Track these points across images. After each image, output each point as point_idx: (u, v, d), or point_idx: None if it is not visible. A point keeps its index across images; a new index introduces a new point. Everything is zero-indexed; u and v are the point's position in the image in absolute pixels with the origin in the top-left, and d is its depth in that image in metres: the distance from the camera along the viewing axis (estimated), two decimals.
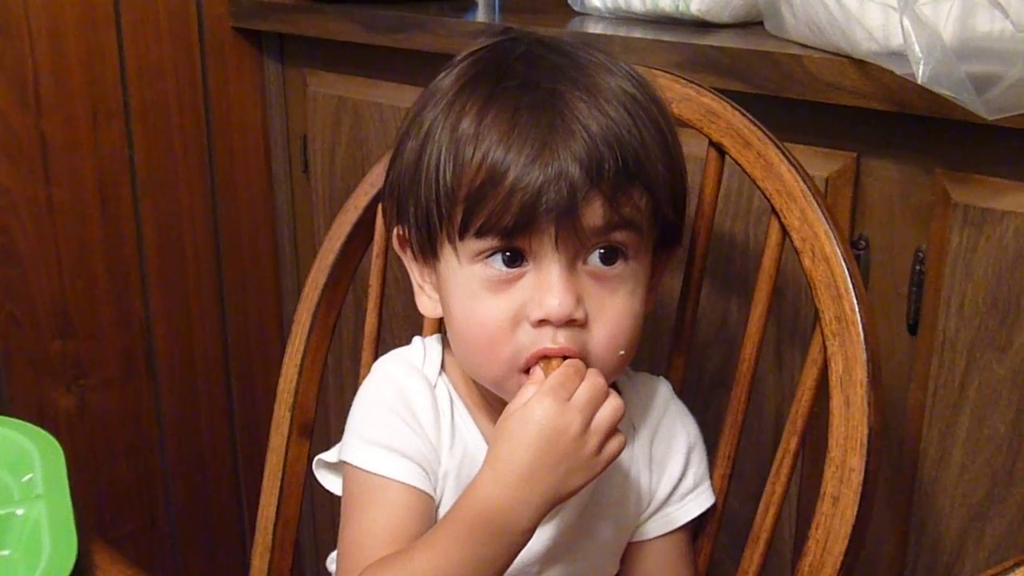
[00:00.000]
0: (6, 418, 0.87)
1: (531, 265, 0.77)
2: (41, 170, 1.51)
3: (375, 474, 0.83)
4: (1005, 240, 0.97)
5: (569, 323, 0.76)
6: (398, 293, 1.51)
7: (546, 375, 0.75)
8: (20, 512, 0.76)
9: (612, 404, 0.75)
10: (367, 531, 0.82)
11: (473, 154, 0.76)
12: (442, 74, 0.83)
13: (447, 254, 0.80)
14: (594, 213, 0.76)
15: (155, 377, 1.68)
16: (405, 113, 0.86)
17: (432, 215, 0.79)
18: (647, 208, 0.79)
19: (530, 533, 0.74)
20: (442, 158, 0.78)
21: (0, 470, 0.82)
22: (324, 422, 1.47)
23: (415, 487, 0.83)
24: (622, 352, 0.80)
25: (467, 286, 0.79)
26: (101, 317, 1.61)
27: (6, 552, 0.75)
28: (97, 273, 1.59)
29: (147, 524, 1.72)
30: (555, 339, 0.76)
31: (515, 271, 0.77)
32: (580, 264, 0.78)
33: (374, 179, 1.11)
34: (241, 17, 1.64)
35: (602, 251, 0.78)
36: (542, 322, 0.76)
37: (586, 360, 0.78)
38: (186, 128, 1.63)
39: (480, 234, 0.76)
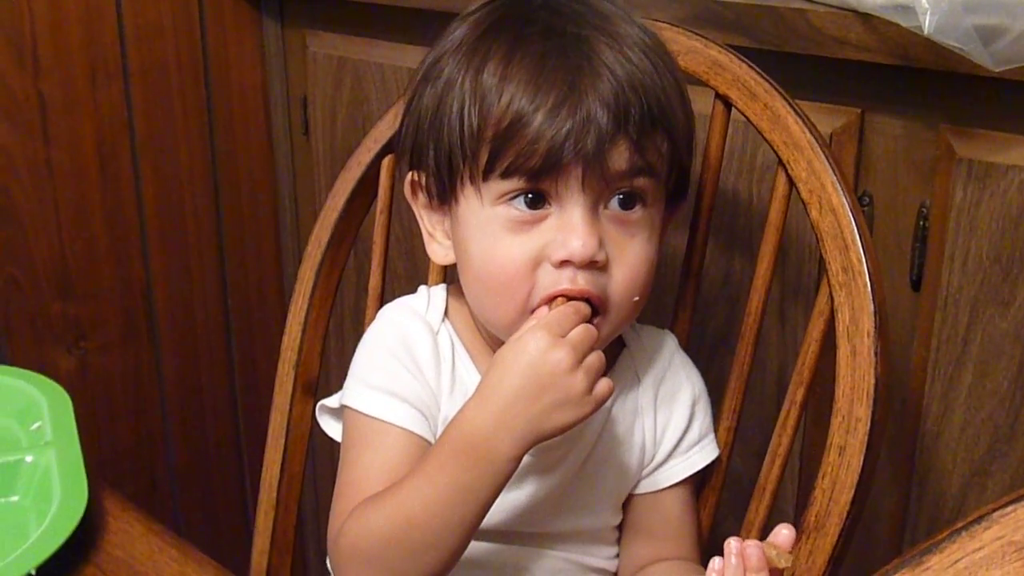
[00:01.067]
0: (14, 368, 0.87)
1: (554, 207, 0.78)
2: (40, 131, 1.50)
3: (374, 418, 0.84)
4: (1009, 195, 0.97)
5: (590, 265, 0.77)
6: (400, 254, 1.51)
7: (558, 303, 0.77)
8: (29, 459, 0.77)
9: (599, 352, 0.76)
10: (363, 474, 0.83)
11: (500, 98, 0.76)
12: (454, 25, 0.84)
13: (468, 196, 0.81)
14: (620, 156, 0.77)
15: (156, 339, 1.68)
16: (416, 67, 0.86)
17: (455, 156, 0.80)
18: (667, 154, 0.81)
19: (512, 463, 0.74)
20: (466, 103, 0.78)
21: (8, 419, 0.83)
22: (325, 383, 1.47)
23: (413, 432, 0.83)
24: (636, 298, 0.81)
25: (488, 227, 0.79)
26: (101, 279, 1.60)
27: (16, 498, 0.75)
28: (97, 234, 1.58)
29: (149, 486, 1.72)
30: (575, 281, 0.77)
31: (538, 212, 0.78)
32: (601, 208, 0.79)
33: (377, 136, 1.10)
34: None
35: (622, 196, 0.79)
36: (564, 263, 0.77)
37: (604, 304, 0.79)
38: (185, 89, 1.63)
39: (506, 175, 0.77)
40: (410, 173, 0.87)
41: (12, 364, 1.51)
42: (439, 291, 0.92)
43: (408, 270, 1.51)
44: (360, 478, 0.83)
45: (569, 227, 0.77)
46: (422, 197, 0.87)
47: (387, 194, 1.09)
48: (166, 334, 1.69)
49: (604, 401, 0.75)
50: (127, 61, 1.56)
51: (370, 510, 0.78)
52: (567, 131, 0.75)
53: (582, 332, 0.75)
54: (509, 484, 0.83)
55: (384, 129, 1.09)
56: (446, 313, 0.90)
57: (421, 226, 0.89)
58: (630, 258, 0.80)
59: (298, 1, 1.62)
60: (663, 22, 0.98)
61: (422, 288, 0.93)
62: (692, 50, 0.95)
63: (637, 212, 0.80)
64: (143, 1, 1.55)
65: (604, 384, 0.75)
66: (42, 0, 1.46)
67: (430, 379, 0.85)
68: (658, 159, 0.80)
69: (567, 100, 0.75)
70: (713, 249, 1.17)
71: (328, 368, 1.65)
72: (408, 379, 0.85)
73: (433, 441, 0.84)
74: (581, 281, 0.77)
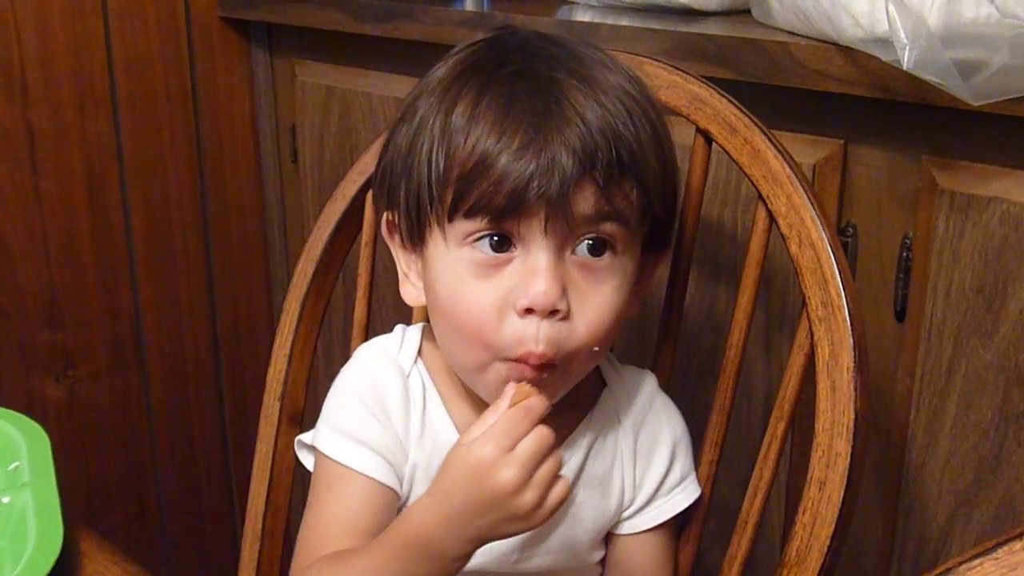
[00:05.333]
0: None
1: (519, 251, 0.77)
2: (28, 160, 1.51)
3: (339, 463, 0.84)
4: (991, 226, 0.97)
5: (552, 314, 0.76)
6: (387, 283, 1.51)
7: (516, 398, 0.74)
8: (6, 500, 0.76)
9: (556, 457, 0.73)
10: (326, 519, 0.84)
11: (467, 138, 0.76)
12: (438, 65, 0.83)
13: (435, 237, 0.80)
14: (585, 201, 0.76)
15: (145, 368, 1.68)
16: (399, 104, 0.86)
17: (423, 196, 0.79)
18: (638, 202, 0.79)
19: (463, 560, 0.74)
20: (435, 143, 0.78)
21: None
22: (315, 411, 1.47)
23: (377, 480, 0.83)
24: (596, 349, 0.80)
25: (453, 270, 0.78)
26: (90, 308, 1.60)
27: None
28: (85, 264, 1.58)
29: (137, 514, 1.72)
30: (538, 337, 0.75)
31: (503, 256, 0.77)
32: (568, 254, 0.77)
33: (362, 168, 1.10)
34: (228, 6, 1.64)
35: (590, 242, 0.77)
36: (527, 311, 0.75)
37: (564, 358, 0.77)
38: (174, 118, 1.63)
39: (470, 215, 0.76)
40: (386, 213, 0.87)
41: None
42: (414, 331, 0.91)
43: (397, 299, 1.50)
44: (323, 523, 0.84)
45: (532, 272, 0.75)
46: (397, 238, 0.86)
47: (372, 227, 1.09)
48: (155, 363, 1.69)
49: (559, 506, 0.74)
50: (116, 90, 1.56)
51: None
52: (531, 173, 0.73)
53: (533, 444, 0.72)
54: None
55: (369, 161, 1.09)
56: (420, 353, 0.89)
57: (398, 267, 0.88)
58: (594, 307, 0.78)
59: (287, 30, 1.62)
60: (645, 56, 0.98)
61: (398, 327, 0.93)
62: (672, 84, 0.95)
63: (605, 259, 0.78)
64: (132, 30, 1.56)
65: (558, 491, 0.73)
66: (31, 30, 1.47)
67: (398, 427, 0.85)
68: (627, 206, 0.78)
69: (532, 142, 0.74)
70: (699, 279, 1.17)
71: (317, 396, 1.65)
72: (375, 427, 0.84)
73: (399, 490, 0.85)
74: (543, 337, 0.75)
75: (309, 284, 1.12)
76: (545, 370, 0.77)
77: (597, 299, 0.78)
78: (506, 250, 0.77)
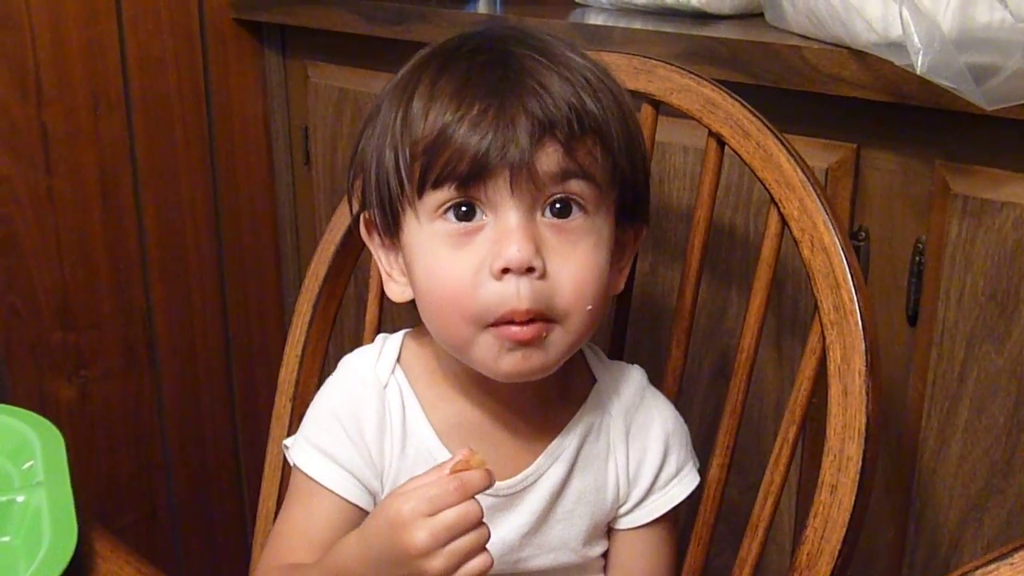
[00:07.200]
0: (7, 406, 0.88)
1: (488, 218, 0.77)
2: (42, 161, 1.51)
3: (310, 477, 0.85)
4: (1004, 231, 0.97)
5: (529, 272, 0.76)
6: None
7: (458, 465, 0.72)
8: (20, 499, 0.76)
9: (479, 533, 0.72)
10: (290, 529, 0.86)
11: (427, 116, 0.77)
12: (399, 71, 0.85)
13: (408, 220, 0.81)
14: (548, 159, 0.76)
15: (156, 368, 1.68)
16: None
17: (392, 180, 0.80)
18: (603, 160, 0.79)
19: None
20: (399, 130, 0.79)
21: (0, 457, 0.83)
22: None
23: (343, 498, 0.84)
24: (590, 307, 0.79)
25: (428, 245, 0.79)
26: (102, 308, 1.61)
27: (6, 538, 0.75)
28: (98, 264, 1.59)
29: (148, 514, 1.72)
30: (519, 294, 0.75)
31: (473, 224, 0.77)
32: (539, 216, 0.78)
33: None
34: (242, 8, 1.64)
35: (559, 205, 0.78)
36: (504, 272, 0.76)
37: (553, 313, 0.77)
38: (187, 119, 1.64)
39: (437, 184, 0.77)
40: (363, 213, 0.87)
41: (12, 393, 1.53)
42: (395, 339, 0.91)
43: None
44: (287, 533, 0.86)
45: (504, 234, 0.76)
46: (376, 236, 0.87)
47: None
48: (167, 363, 1.69)
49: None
50: (129, 92, 1.57)
51: None
52: (492, 136, 0.75)
53: (454, 516, 0.71)
54: None
55: None
56: (399, 360, 0.89)
57: (380, 267, 0.88)
58: (573, 266, 0.78)
59: (300, 33, 1.63)
60: (657, 59, 0.98)
61: (379, 336, 0.92)
62: (685, 88, 0.95)
63: (577, 219, 0.79)
64: (145, 32, 1.57)
65: (475, 564, 0.72)
66: (45, 31, 1.48)
67: (372, 446, 0.85)
68: (592, 163, 0.78)
69: (491, 108, 0.75)
70: (711, 282, 1.17)
71: None
72: (348, 445, 0.85)
73: (369, 507, 0.85)
74: (524, 293, 0.76)
75: (321, 285, 1.12)
76: (536, 326, 0.77)
77: (575, 257, 0.78)
78: (475, 218, 0.77)
